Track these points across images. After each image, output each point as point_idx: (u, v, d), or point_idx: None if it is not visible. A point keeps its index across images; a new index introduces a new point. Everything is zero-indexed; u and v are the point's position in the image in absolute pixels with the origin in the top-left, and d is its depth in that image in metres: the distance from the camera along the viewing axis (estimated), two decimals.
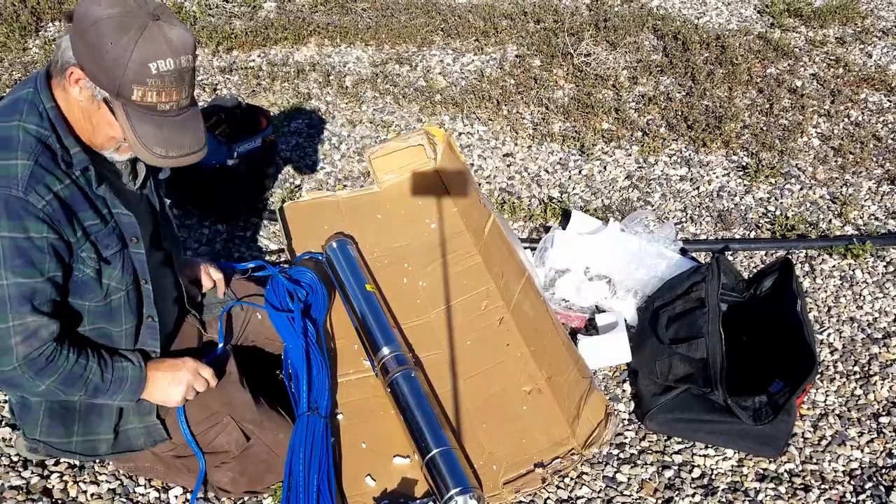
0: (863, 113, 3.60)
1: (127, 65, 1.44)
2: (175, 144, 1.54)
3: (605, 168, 3.26)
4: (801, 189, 3.12)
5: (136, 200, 1.77)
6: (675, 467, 2.08)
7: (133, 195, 1.76)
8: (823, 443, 2.14)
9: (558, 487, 2.03)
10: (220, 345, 2.01)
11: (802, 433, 2.17)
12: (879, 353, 2.40)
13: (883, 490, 2.01)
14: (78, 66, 1.49)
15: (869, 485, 2.02)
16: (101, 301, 1.69)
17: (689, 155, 3.33)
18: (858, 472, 2.06)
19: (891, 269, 2.72)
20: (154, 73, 1.46)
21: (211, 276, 2.10)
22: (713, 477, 2.06)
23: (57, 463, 2.01)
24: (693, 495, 2.01)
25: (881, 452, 2.11)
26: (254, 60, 4.02)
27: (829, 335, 2.47)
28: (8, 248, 1.49)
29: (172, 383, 1.80)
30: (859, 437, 2.15)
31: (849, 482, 2.04)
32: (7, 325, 1.53)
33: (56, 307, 1.60)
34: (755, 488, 2.02)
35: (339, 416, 2.09)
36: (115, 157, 1.65)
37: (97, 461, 2.01)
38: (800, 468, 2.08)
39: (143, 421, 1.83)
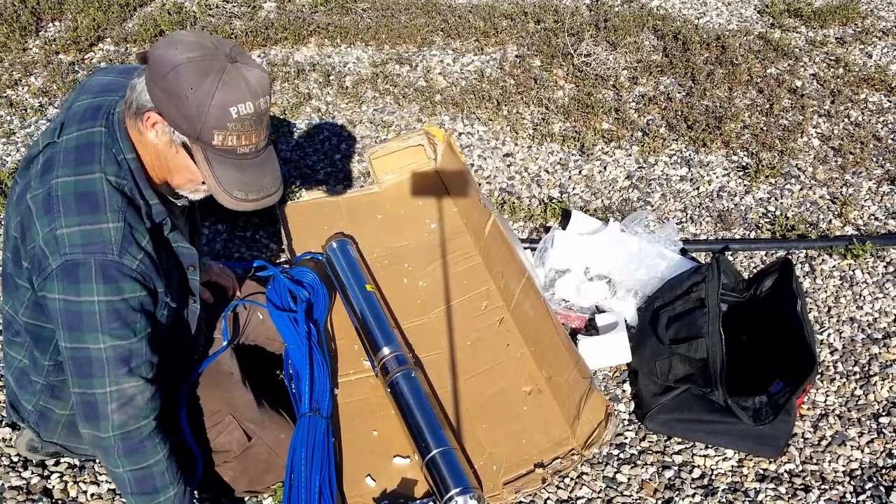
0: (863, 113, 3.60)
1: (208, 110, 1.42)
2: (255, 187, 1.52)
3: (605, 168, 3.26)
4: (801, 189, 3.12)
5: (185, 226, 1.79)
6: (676, 467, 2.09)
7: (183, 224, 1.78)
8: (823, 443, 2.14)
9: (558, 488, 2.03)
10: (225, 343, 2.02)
11: (802, 433, 2.17)
12: (879, 353, 2.40)
13: (883, 490, 2.01)
14: (156, 111, 1.47)
15: (869, 485, 2.02)
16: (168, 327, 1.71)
17: (690, 155, 3.33)
18: (858, 472, 2.06)
19: (891, 269, 2.72)
20: (235, 117, 1.44)
21: (226, 280, 2.14)
22: (713, 477, 2.06)
23: (57, 463, 2.01)
24: (693, 495, 2.01)
25: (881, 453, 2.11)
26: None
27: (829, 335, 2.47)
28: (105, 313, 1.49)
29: None
30: (859, 437, 2.15)
31: (849, 482, 2.04)
32: (105, 390, 1.53)
33: (151, 371, 1.59)
34: (755, 488, 2.02)
35: (336, 392, 2.10)
36: (191, 197, 1.65)
37: (98, 461, 2.01)
38: (800, 468, 2.08)
39: None
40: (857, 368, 2.36)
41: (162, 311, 1.64)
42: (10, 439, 2.06)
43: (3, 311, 1.75)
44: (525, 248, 2.59)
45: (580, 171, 3.24)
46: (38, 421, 1.80)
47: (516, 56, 4.09)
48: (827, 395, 2.28)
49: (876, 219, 2.96)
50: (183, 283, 1.74)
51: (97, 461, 2.02)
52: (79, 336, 1.50)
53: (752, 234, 2.91)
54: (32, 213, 1.50)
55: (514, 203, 3.03)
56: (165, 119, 1.47)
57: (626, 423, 2.22)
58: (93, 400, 1.54)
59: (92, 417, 1.56)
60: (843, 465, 2.08)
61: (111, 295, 1.49)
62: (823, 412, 2.23)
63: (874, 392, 2.28)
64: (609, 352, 2.36)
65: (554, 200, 3.06)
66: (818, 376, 2.32)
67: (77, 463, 2.01)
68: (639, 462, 2.10)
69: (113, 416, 1.55)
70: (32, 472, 1.98)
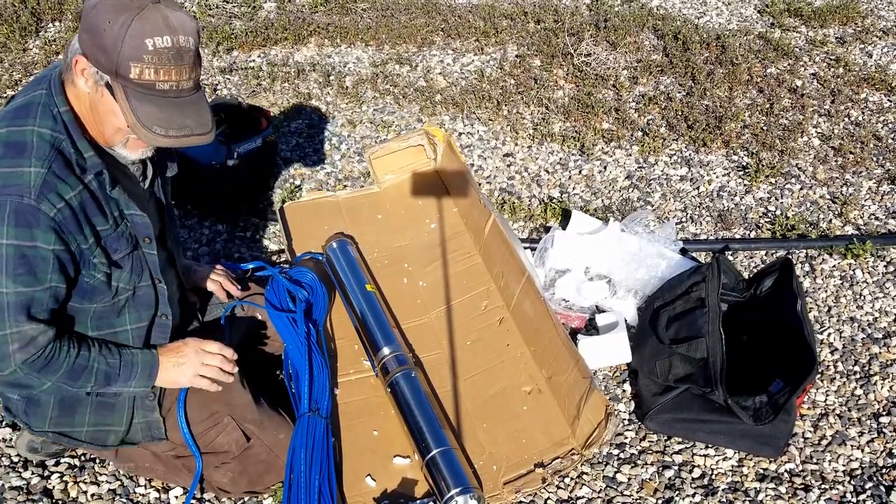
0: (863, 112, 3.60)
1: (123, 40, 1.44)
2: (175, 124, 1.52)
3: (605, 168, 3.26)
4: (802, 189, 3.12)
5: (146, 199, 1.78)
6: (676, 467, 2.08)
7: (143, 195, 1.77)
8: (824, 443, 2.14)
9: (558, 487, 2.03)
10: (225, 342, 2.02)
11: (802, 433, 2.17)
12: (880, 352, 2.40)
13: (883, 490, 2.01)
14: (81, 54, 1.50)
15: (869, 485, 2.02)
16: (109, 301, 1.69)
17: (690, 155, 3.32)
18: (859, 471, 2.06)
19: (891, 268, 2.71)
20: (150, 49, 1.45)
21: (225, 287, 2.12)
22: (713, 477, 2.06)
23: (57, 463, 2.01)
24: (693, 495, 2.01)
25: (881, 452, 2.11)
26: (254, 61, 4.02)
27: (829, 335, 2.47)
28: (11, 256, 1.49)
29: (178, 363, 1.79)
30: (859, 436, 2.15)
31: (849, 482, 2.04)
32: (4, 332, 1.53)
33: (53, 315, 1.60)
34: (755, 488, 2.02)
35: (336, 392, 2.10)
36: (126, 156, 1.65)
37: (98, 461, 2.02)
38: (800, 468, 2.08)
39: (145, 416, 1.83)
40: (857, 368, 2.36)
41: (92, 273, 1.61)
42: (11, 439, 2.06)
43: None
44: (525, 248, 2.59)
45: (580, 171, 3.24)
46: (27, 408, 1.78)
47: (516, 56, 4.09)
48: (827, 395, 2.27)
49: (876, 218, 2.96)
50: (139, 255, 1.71)
51: (97, 461, 2.02)
52: None
53: (753, 234, 2.91)
54: None
55: (514, 203, 3.03)
56: (89, 59, 1.49)
57: (626, 422, 2.22)
58: None
59: None
60: (844, 465, 2.08)
61: (22, 239, 1.48)
62: (823, 412, 2.23)
63: (874, 392, 2.28)
64: (609, 351, 2.36)
65: (554, 200, 3.05)
66: (818, 376, 2.32)
67: (77, 463, 2.01)
68: (639, 462, 2.10)
69: (14, 355, 1.55)
70: (32, 473, 1.98)
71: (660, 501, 2.00)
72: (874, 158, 3.28)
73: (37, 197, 1.48)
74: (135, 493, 1.97)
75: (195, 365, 1.81)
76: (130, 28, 1.44)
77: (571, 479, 2.05)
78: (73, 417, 1.78)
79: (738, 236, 2.90)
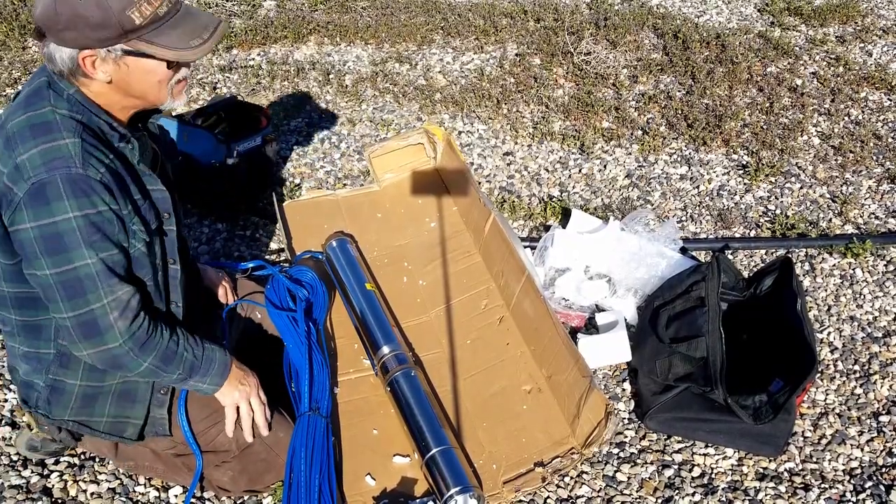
0: (863, 111, 3.60)
1: (107, 3, 1.45)
2: (199, 29, 1.55)
3: (605, 167, 3.26)
4: (802, 188, 3.12)
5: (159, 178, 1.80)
6: (675, 466, 2.08)
7: (156, 173, 1.78)
8: (823, 442, 2.14)
9: (558, 486, 2.03)
10: (226, 342, 2.02)
11: (802, 432, 2.17)
12: (879, 351, 2.40)
13: (883, 489, 2.01)
14: (80, 50, 1.49)
15: (869, 484, 2.02)
16: (150, 278, 1.70)
17: (690, 154, 3.32)
18: (858, 471, 2.06)
19: (891, 267, 2.71)
20: None
21: (223, 286, 2.13)
22: (713, 476, 2.06)
23: (57, 462, 2.01)
24: (693, 494, 2.01)
25: (881, 451, 2.11)
26: (253, 59, 4.02)
27: (829, 334, 2.47)
28: (83, 227, 1.50)
29: (239, 383, 1.83)
30: (859, 435, 2.15)
31: (849, 481, 2.04)
32: (102, 302, 1.55)
33: (133, 277, 1.63)
34: (755, 487, 2.02)
35: (336, 391, 2.11)
36: (176, 104, 1.67)
37: (97, 460, 2.02)
38: (800, 467, 2.08)
39: (153, 411, 1.83)
40: (857, 367, 2.36)
41: (133, 242, 1.62)
42: (11, 438, 2.06)
43: None
44: (525, 247, 2.59)
45: (580, 170, 3.24)
46: (50, 396, 1.77)
47: (516, 54, 4.08)
48: (827, 394, 2.28)
49: (876, 217, 2.96)
50: (160, 233, 1.72)
51: (97, 460, 2.02)
52: (64, 258, 1.50)
53: (752, 233, 2.91)
54: None
55: (514, 202, 3.03)
56: (92, 47, 1.49)
57: (625, 421, 2.22)
58: (91, 317, 1.55)
59: (94, 334, 1.57)
60: (843, 464, 2.08)
61: (86, 208, 1.50)
62: (823, 411, 2.23)
63: (874, 391, 2.28)
64: (609, 351, 2.36)
65: (554, 199, 3.05)
66: (818, 375, 2.32)
67: (77, 462, 2.01)
68: (639, 461, 2.10)
69: (117, 324, 1.57)
70: (32, 472, 1.98)
71: (659, 500, 2.00)
72: (874, 157, 3.28)
73: (82, 164, 1.49)
74: (134, 491, 1.96)
75: (245, 396, 1.83)
76: None
77: (571, 478, 2.05)
78: (93, 408, 1.78)
79: (737, 235, 2.90)
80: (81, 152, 1.50)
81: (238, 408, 1.83)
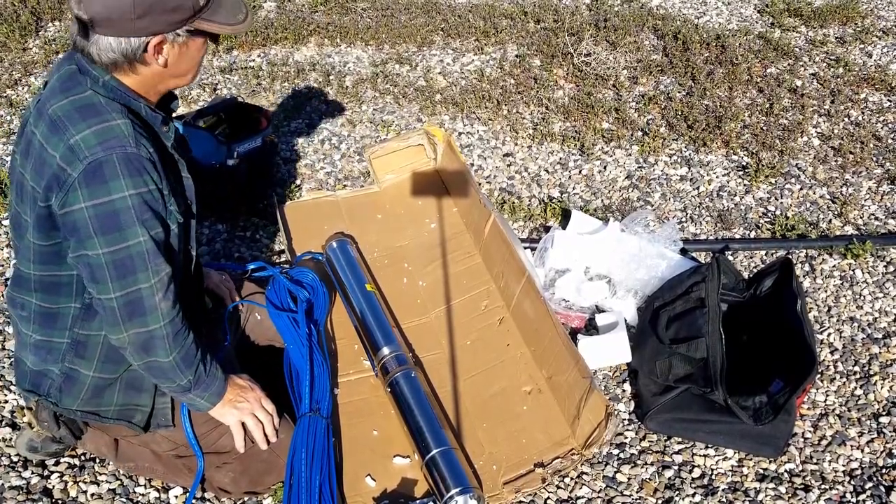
0: (863, 112, 3.60)
1: None
2: (237, 8, 1.63)
3: (605, 168, 3.26)
4: (801, 189, 3.12)
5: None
6: (675, 467, 2.08)
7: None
8: (823, 443, 2.14)
9: (558, 487, 2.03)
10: (227, 342, 2.02)
11: (802, 433, 2.17)
12: (879, 352, 2.40)
13: (883, 490, 2.01)
14: (150, 36, 1.52)
15: (869, 485, 2.02)
16: (180, 262, 1.72)
17: (690, 155, 3.32)
18: (858, 472, 2.06)
19: (891, 268, 2.71)
20: None
21: (224, 286, 2.13)
22: (713, 477, 2.06)
23: (57, 463, 2.01)
24: (693, 495, 2.01)
25: (881, 452, 2.11)
26: (254, 60, 4.02)
27: (829, 335, 2.47)
28: (137, 206, 1.53)
29: (236, 402, 1.82)
30: (859, 437, 2.15)
31: (849, 482, 2.04)
32: (150, 282, 1.57)
33: (170, 258, 1.65)
34: (755, 488, 2.02)
35: (336, 392, 2.11)
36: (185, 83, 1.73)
37: (97, 461, 2.02)
38: (800, 468, 2.08)
39: (157, 401, 1.84)
40: (857, 368, 2.36)
41: (170, 223, 1.65)
42: (11, 439, 2.06)
43: (12, 289, 1.76)
44: (525, 248, 2.59)
45: (580, 171, 3.24)
46: (63, 385, 1.77)
47: (516, 56, 4.09)
48: (827, 395, 2.28)
49: (876, 218, 2.96)
50: (188, 216, 1.75)
51: (97, 461, 2.02)
52: (119, 236, 1.53)
53: (752, 234, 2.91)
54: (43, 144, 1.54)
55: (514, 203, 3.03)
56: (164, 32, 1.53)
57: (626, 422, 2.22)
58: (138, 296, 1.57)
59: (139, 313, 1.59)
60: (843, 465, 2.08)
61: (139, 187, 1.53)
62: (823, 412, 2.23)
63: (874, 392, 2.28)
64: (609, 351, 2.36)
65: (554, 200, 3.05)
66: (818, 376, 2.32)
67: (77, 463, 2.01)
68: (639, 462, 2.10)
69: (161, 305, 1.59)
70: (32, 472, 1.98)
71: (660, 501, 2.00)
72: (874, 158, 3.28)
73: (135, 144, 1.53)
74: (134, 492, 1.96)
75: (247, 412, 1.83)
76: None
77: (571, 479, 2.05)
78: (102, 398, 1.79)
79: (737, 236, 2.90)
80: (132, 132, 1.54)
81: (244, 423, 1.84)
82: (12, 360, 2.22)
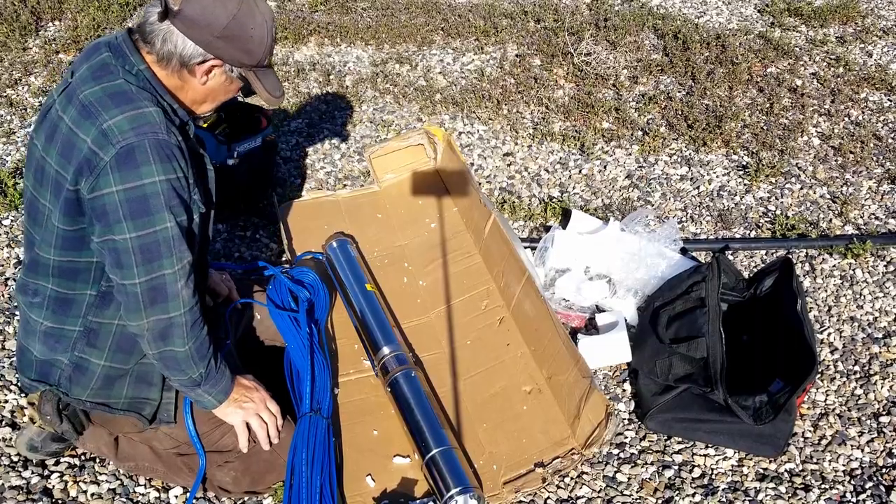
0: (863, 112, 3.60)
1: (265, 40, 1.65)
2: (279, 86, 1.75)
3: (605, 167, 3.26)
4: (802, 188, 3.12)
5: None
6: (676, 467, 2.08)
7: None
8: (824, 442, 2.14)
9: (558, 487, 2.03)
10: (228, 342, 2.02)
11: (802, 433, 2.17)
12: (880, 352, 2.40)
13: (883, 490, 2.01)
14: (214, 58, 1.61)
15: (869, 484, 2.02)
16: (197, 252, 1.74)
17: (690, 154, 3.32)
18: (859, 471, 2.06)
19: (891, 268, 2.71)
20: (271, 39, 1.67)
21: (225, 286, 2.14)
22: (713, 477, 2.06)
23: (57, 463, 2.01)
24: (693, 495, 2.01)
25: (881, 452, 2.11)
26: None
27: (829, 335, 2.47)
28: (166, 191, 1.56)
29: (241, 402, 1.84)
30: (859, 436, 2.15)
31: (849, 482, 2.04)
32: (174, 268, 1.60)
33: (191, 246, 1.67)
34: (755, 488, 2.02)
35: (336, 392, 2.11)
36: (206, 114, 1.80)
37: (98, 460, 2.02)
38: (800, 468, 2.08)
39: (164, 396, 1.84)
40: (857, 368, 2.36)
41: (193, 211, 1.67)
42: (11, 439, 2.06)
43: (26, 276, 1.76)
44: (525, 248, 2.59)
45: (580, 171, 3.24)
46: (73, 374, 1.78)
47: (516, 55, 4.08)
48: (827, 395, 2.27)
49: (876, 218, 2.96)
50: (208, 207, 1.77)
51: (97, 460, 2.02)
52: (147, 221, 1.55)
53: (753, 234, 2.91)
54: (73, 129, 1.56)
55: (514, 202, 3.03)
56: (227, 61, 1.63)
57: (626, 422, 2.22)
58: (161, 282, 1.59)
59: (161, 299, 1.61)
60: (844, 465, 2.08)
61: (169, 173, 1.56)
62: (823, 411, 2.23)
63: (874, 391, 2.28)
64: (609, 351, 2.36)
65: (554, 200, 3.05)
66: (818, 375, 2.32)
67: (77, 463, 2.01)
68: (639, 461, 2.10)
69: (182, 291, 1.62)
70: (32, 472, 1.98)
71: (660, 501, 2.00)
72: (874, 158, 3.28)
73: (166, 131, 1.57)
74: (135, 492, 1.96)
75: (251, 413, 1.85)
76: (266, 26, 1.64)
77: (571, 478, 2.05)
78: (112, 389, 1.80)
79: (738, 236, 2.90)
80: (163, 119, 1.57)
81: (248, 424, 1.85)
82: (12, 359, 2.22)
